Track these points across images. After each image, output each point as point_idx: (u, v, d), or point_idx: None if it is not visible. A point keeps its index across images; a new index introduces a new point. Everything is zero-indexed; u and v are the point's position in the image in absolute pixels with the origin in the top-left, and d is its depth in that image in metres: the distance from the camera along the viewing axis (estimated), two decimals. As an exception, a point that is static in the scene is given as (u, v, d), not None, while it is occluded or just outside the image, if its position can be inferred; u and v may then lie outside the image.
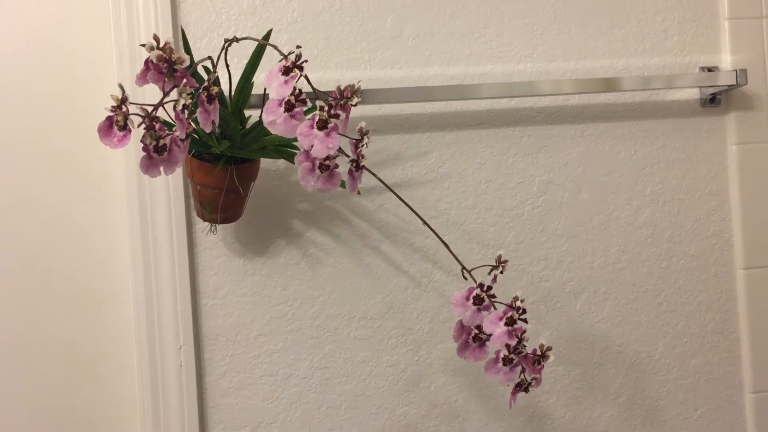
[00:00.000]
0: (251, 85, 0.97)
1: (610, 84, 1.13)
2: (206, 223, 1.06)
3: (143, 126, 0.49)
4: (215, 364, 1.09)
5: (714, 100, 1.19)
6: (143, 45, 0.60)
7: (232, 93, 0.95)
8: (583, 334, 1.17)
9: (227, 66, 0.91)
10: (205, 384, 1.09)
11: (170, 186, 1.06)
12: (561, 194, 1.17)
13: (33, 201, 1.09)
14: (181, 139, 0.51)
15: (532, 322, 0.78)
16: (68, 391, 1.09)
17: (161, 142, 0.49)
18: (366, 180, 0.94)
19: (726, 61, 1.20)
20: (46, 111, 1.09)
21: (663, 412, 1.19)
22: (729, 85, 1.14)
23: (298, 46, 0.68)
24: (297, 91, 0.63)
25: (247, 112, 0.99)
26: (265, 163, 1.07)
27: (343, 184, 0.81)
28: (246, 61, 0.95)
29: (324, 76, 1.12)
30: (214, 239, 1.09)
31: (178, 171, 1.07)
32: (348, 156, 0.74)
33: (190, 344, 1.07)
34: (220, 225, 1.04)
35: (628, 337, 1.18)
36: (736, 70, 1.13)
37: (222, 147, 0.89)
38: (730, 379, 1.20)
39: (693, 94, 1.20)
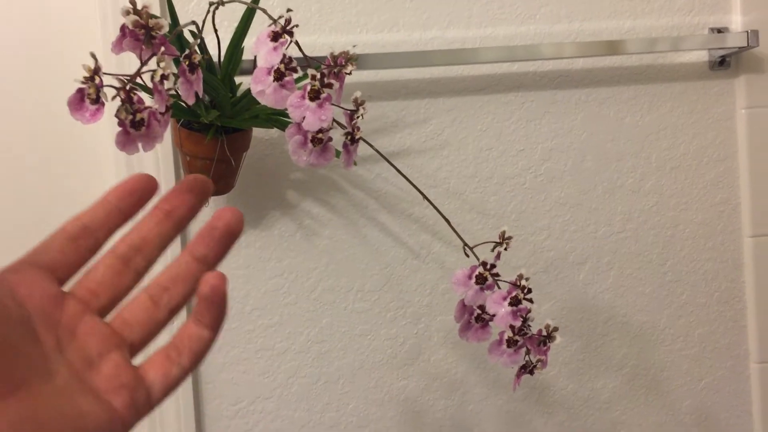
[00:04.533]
0: (242, 51, 0.92)
1: (615, 47, 1.09)
2: (197, 195, 1.02)
3: (119, 99, 0.46)
4: (210, 338, 1.06)
5: (723, 63, 1.15)
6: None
7: (222, 59, 0.91)
8: (586, 305, 1.14)
9: (215, 30, 0.86)
10: (199, 359, 1.06)
11: (159, 156, 1.03)
12: (564, 162, 1.13)
13: (17, 174, 1.05)
14: (160, 113, 0.47)
15: (534, 292, 0.75)
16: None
17: (138, 116, 0.45)
18: (362, 147, 0.90)
19: (736, 21, 1.15)
20: (30, 80, 1.04)
21: (667, 382, 1.17)
22: (739, 47, 1.10)
23: (289, 10, 0.63)
24: (287, 58, 0.59)
25: (238, 79, 0.95)
26: (257, 132, 1.03)
27: (338, 154, 0.77)
28: (236, 24, 0.91)
29: (318, 40, 1.07)
30: (206, 211, 1.06)
31: (168, 139, 1.03)
32: (343, 128, 0.70)
33: (182, 319, 1.04)
34: (212, 197, 1.01)
35: (632, 308, 1.15)
36: (747, 32, 1.08)
37: (211, 116, 0.85)
38: (736, 349, 1.18)
39: (702, 56, 1.15)
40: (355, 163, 0.83)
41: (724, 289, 1.17)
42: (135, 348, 0.35)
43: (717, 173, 1.16)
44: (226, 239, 0.36)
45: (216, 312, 0.35)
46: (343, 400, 1.10)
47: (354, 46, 0.66)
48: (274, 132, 1.05)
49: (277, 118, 0.92)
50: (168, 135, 0.98)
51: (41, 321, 0.32)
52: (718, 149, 1.16)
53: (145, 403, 0.34)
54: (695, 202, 1.16)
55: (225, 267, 1.06)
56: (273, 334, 1.08)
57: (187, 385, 1.05)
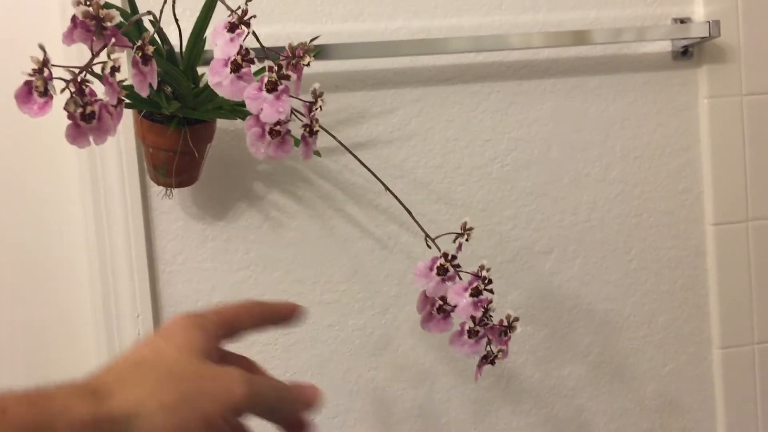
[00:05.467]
0: (204, 41, 0.91)
1: (580, 37, 1.09)
2: (161, 187, 1.01)
3: (69, 91, 0.45)
4: (176, 331, 1.06)
5: (686, 53, 1.16)
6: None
7: (184, 49, 0.89)
8: (552, 294, 1.15)
9: (177, 21, 0.86)
10: (165, 352, 1.06)
11: (122, 148, 1.01)
12: (530, 152, 1.14)
13: (-23, 165, 1.03)
14: (112, 105, 0.46)
15: (500, 282, 0.76)
16: (21, 366, 1.05)
17: (89, 109, 0.45)
18: (328, 139, 0.90)
19: (699, 12, 1.16)
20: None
21: (632, 368, 1.18)
22: (701, 38, 1.11)
23: (248, 0, 0.63)
24: (244, 49, 0.58)
25: (200, 70, 0.94)
26: (221, 123, 1.02)
27: (297, 142, 0.77)
28: (198, 14, 0.89)
29: (282, 29, 1.06)
30: (170, 203, 1.05)
31: (130, 131, 1.01)
32: (302, 120, 0.70)
33: (148, 312, 1.03)
34: (175, 188, 1.00)
35: (597, 296, 1.17)
36: (708, 22, 1.10)
37: (172, 108, 0.84)
38: (698, 335, 1.20)
39: (665, 46, 1.17)
40: (319, 154, 0.83)
41: (687, 276, 1.19)
42: None
43: (680, 162, 1.18)
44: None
45: None
46: (312, 391, 1.09)
47: (314, 38, 0.66)
48: (239, 123, 1.04)
49: (240, 109, 0.91)
50: (130, 126, 0.97)
51: None
52: (681, 138, 1.18)
53: None
54: (659, 190, 1.18)
55: (191, 260, 1.05)
56: (240, 327, 1.07)
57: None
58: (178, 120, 0.88)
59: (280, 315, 0.49)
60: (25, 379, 1.04)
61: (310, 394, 0.45)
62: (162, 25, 0.78)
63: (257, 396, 0.40)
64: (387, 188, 0.79)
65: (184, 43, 0.89)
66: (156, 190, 1.04)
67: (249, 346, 1.07)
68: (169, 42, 0.87)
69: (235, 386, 0.39)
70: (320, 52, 0.98)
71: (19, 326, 1.05)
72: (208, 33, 0.90)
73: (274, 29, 1.06)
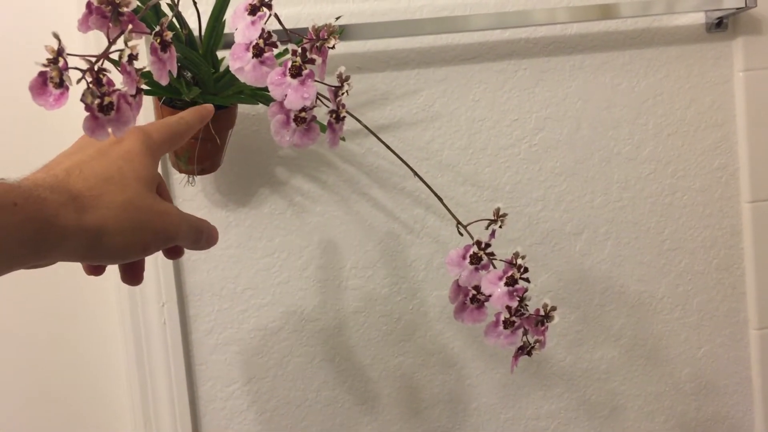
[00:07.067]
0: (223, 24, 0.89)
1: (608, 11, 1.05)
2: (183, 174, 0.99)
3: (86, 81, 0.43)
4: (201, 320, 1.05)
5: (720, 25, 1.12)
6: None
7: (203, 33, 0.87)
8: (583, 276, 1.13)
9: (195, 3, 0.83)
10: (191, 341, 1.05)
11: (143, 136, 0.99)
12: (559, 131, 1.11)
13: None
14: (131, 95, 0.45)
15: (530, 265, 0.73)
16: (48, 356, 1.05)
17: (107, 99, 0.43)
18: (352, 122, 0.87)
19: (734, -19, 1.11)
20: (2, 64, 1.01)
21: (666, 351, 1.16)
22: (737, 8, 1.06)
23: (268, -19, 0.60)
24: (266, 33, 0.56)
25: (220, 54, 0.92)
26: (243, 107, 1.00)
27: (323, 128, 0.74)
28: (217, -4, 0.87)
29: (303, 10, 1.04)
30: (193, 191, 1.03)
31: (150, 119, 0.99)
32: (327, 106, 0.67)
33: (173, 301, 1.02)
34: (198, 176, 0.98)
35: (629, 277, 1.14)
36: (745, -8, 1.05)
37: (193, 94, 0.82)
38: (735, 316, 1.17)
39: (698, 18, 1.12)
40: (343, 139, 0.80)
41: (722, 255, 1.16)
42: None
43: (715, 138, 1.14)
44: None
45: None
46: (339, 379, 1.08)
47: (337, 18, 0.63)
48: (261, 108, 1.02)
49: (262, 94, 0.89)
50: (150, 115, 0.95)
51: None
52: (715, 114, 1.14)
53: None
54: (693, 168, 1.14)
55: (215, 247, 1.03)
56: (266, 314, 1.06)
57: (179, 366, 1.03)
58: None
59: (207, 109, 0.62)
60: (52, 369, 1.04)
61: (215, 237, 0.57)
62: (180, 8, 0.76)
63: (184, 234, 0.52)
64: (416, 174, 0.76)
65: (203, 27, 0.87)
66: (178, 177, 1.02)
67: (275, 333, 1.06)
68: (188, 26, 0.84)
69: (173, 227, 0.50)
70: (342, 32, 0.96)
71: (42, 318, 1.04)
72: (227, 16, 0.88)
73: (294, 10, 1.03)
